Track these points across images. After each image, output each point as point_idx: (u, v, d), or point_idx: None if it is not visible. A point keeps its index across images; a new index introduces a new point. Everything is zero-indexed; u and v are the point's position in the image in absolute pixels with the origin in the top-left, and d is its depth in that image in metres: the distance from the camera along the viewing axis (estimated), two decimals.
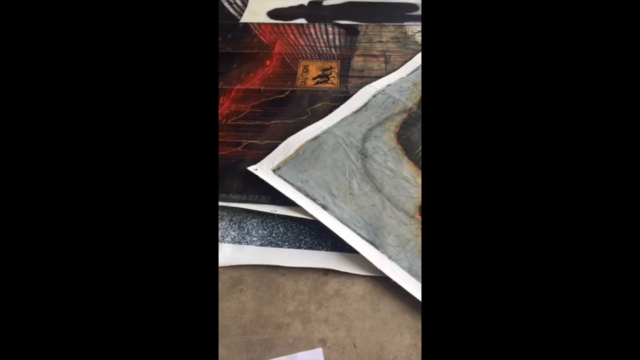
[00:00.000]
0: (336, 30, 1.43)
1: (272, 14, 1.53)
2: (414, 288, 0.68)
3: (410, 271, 0.70)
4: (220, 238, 0.76)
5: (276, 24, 1.45)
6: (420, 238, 0.76)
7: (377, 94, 1.10)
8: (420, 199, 0.83)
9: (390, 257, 0.72)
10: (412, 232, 0.77)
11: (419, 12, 1.55)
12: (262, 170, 0.88)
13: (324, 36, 1.40)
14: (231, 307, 0.65)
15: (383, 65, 1.25)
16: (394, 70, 1.21)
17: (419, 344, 0.61)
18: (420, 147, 0.94)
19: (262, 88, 1.13)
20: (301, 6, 1.59)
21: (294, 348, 0.61)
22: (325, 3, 1.61)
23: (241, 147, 0.95)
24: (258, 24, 1.45)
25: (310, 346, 0.61)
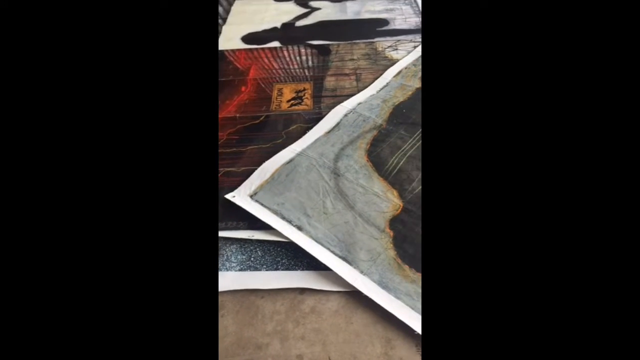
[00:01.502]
0: (309, 51, 1.49)
1: (247, 38, 1.59)
2: (384, 300, 0.72)
3: (380, 284, 0.75)
4: None
5: (250, 49, 1.51)
6: (389, 251, 0.81)
7: (349, 113, 1.15)
8: (390, 213, 0.88)
9: (362, 272, 0.77)
10: (382, 245, 0.82)
11: (390, 27, 1.61)
12: (240, 197, 0.92)
13: (297, 58, 1.46)
14: None
15: (355, 83, 1.31)
16: (365, 87, 1.27)
17: (390, 352, 0.66)
18: (390, 162, 0.99)
19: (238, 115, 1.19)
20: (274, 29, 1.65)
21: None
22: (297, 24, 1.68)
23: (219, 175, 1.00)
24: (233, 50, 1.51)
25: None
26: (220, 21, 1.70)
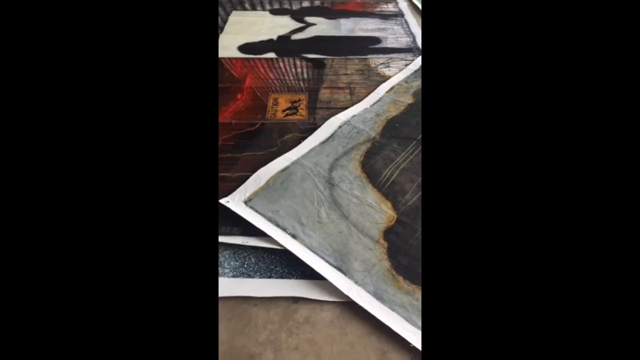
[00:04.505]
0: (304, 63, 1.51)
1: (243, 48, 1.60)
2: (379, 311, 0.72)
3: (375, 295, 0.75)
4: None
5: (247, 59, 1.52)
6: (384, 262, 0.81)
7: (343, 125, 1.17)
8: (384, 224, 0.88)
9: (356, 282, 0.77)
10: (377, 256, 0.82)
11: (382, 45, 1.66)
12: (234, 202, 0.91)
13: (293, 69, 1.48)
14: None
15: (348, 97, 1.33)
16: (359, 101, 1.29)
17: None
18: (384, 174, 1.00)
19: (234, 121, 1.18)
20: (270, 41, 1.67)
21: None
22: (293, 37, 1.70)
23: None
24: (229, 58, 1.51)
25: None
26: None
